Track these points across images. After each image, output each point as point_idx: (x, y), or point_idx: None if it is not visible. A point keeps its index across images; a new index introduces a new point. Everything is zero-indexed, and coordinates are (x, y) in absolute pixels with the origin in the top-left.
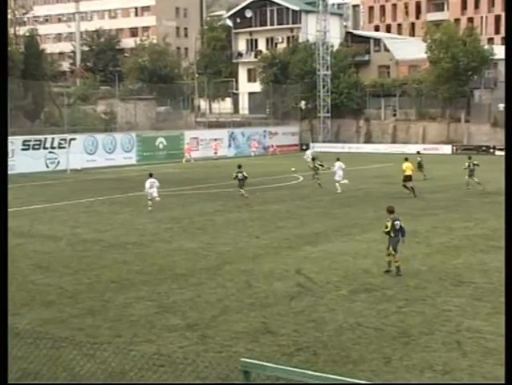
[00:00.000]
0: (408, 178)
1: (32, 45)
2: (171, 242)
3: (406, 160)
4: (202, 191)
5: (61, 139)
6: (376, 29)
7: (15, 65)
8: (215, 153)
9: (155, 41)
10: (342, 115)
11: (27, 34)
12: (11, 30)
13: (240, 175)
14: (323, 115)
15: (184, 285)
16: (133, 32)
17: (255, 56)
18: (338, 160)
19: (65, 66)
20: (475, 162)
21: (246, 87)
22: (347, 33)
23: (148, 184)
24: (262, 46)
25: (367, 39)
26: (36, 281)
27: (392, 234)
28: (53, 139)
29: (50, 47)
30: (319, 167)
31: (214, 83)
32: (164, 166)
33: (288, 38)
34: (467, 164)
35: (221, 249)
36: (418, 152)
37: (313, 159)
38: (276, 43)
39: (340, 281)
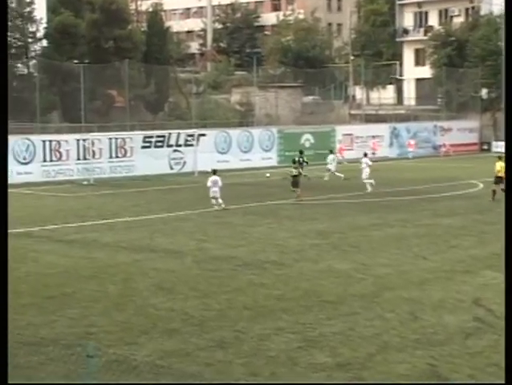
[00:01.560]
0: (499, 180)
1: (156, 22)
2: (318, 262)
3: (500, 158)
4: (356, 200)
5: (188, 136)
6: None
7: (136, 46)
8: (373, 154)
9: (301, 16)
10: None
11: (150, 9)
12: (132, 6)
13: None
14: None
15: (334, 315)
16: (275, 6)
17: (425, 33)
18: (365, 155)
19: (194, 47)
20: None
21: (413, 71)
22: None
23: (209, 182)
24: (433, 20)
25: None
26: (157, 306)
27: None
28: (178, 134)
29: (177, 25)
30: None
31: (373, 66)
32: (310, 168)
33: (466, 10)
34: None
35: (379, 272)
36: None
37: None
38: (451, 17)
39: None
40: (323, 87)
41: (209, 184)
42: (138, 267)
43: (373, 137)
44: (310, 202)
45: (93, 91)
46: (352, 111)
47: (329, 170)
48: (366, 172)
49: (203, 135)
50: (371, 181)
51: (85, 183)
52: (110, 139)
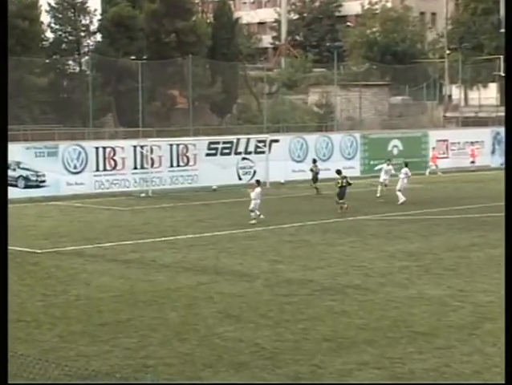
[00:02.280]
0: None
1: (223, 13)
2: (408, 287)
3: None
4: (453, 216)
5: (259, 141)
6: None
7: (200, 40)
8: (472, 162)
9: (389, 4)
10: None
11: None
12: None
13: (344, 181)
14: None
15: (426, 349)
16: None
17: None
18: (406, 165)
19: (266, 41)
20: None
21: None
22: None
23: (253, 194)
24: None
25: None
26: (223, 335)
27: None
28: (248, 140)
29: (247, 16)
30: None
31: (473, 62)
32: (395, 179)
33: None
34: None
35: (479, 299)
36: None
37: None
38: None
39: None
40: (413, 86)
41: (253, 195)
42: (202, 291)
43: (472, 143)
44: (398, 218)
45: (152, 91)
46: (448, 114)
47: (383, 183)
48: (403, 182)
49: (276, 141)
50: (403, 198)
51: (142, 195)
52: (171, 145)
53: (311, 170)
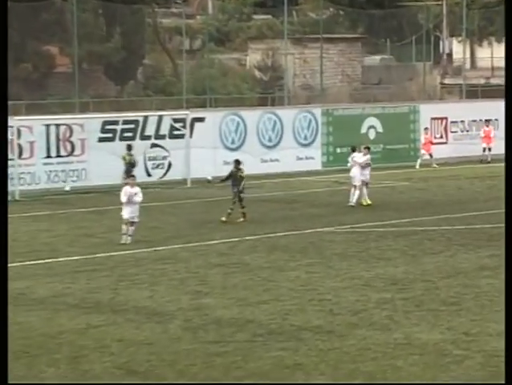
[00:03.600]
0: None
1: None
2: (390, 329)
3: None
4: (453, 226)
5: (175, 120)
6: None
7: None
8: (488, 149)
9: None
10: None
11: None
12: None
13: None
14: None
15: None
16: None
17: None
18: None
19: None
20: None
21: None
22: None
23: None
24: None
25: None
26: None
27: None
28: (160, 119)
29: None
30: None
31: (482, 6)
32: (379, 175)
33: None
34: None
35: (491, 346)
36: None
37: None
38: None
39: None
40: (397, 41)
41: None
42: (93, 338)
43: (482, 123)
44: (377, 230)
45: (20, 48)
46: (447, 80)
47: (363, 183)
48: (361, 174)
49: (200, 119)
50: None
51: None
52: (47, 126)
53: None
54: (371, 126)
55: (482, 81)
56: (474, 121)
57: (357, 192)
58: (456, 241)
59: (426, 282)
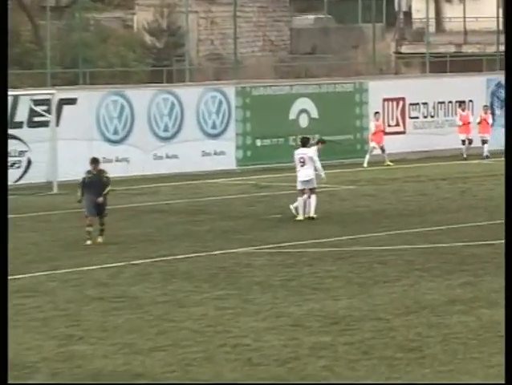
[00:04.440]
0: None
1: None
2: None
3: None
4: (413, 245)
5: (37, 102)
6: None
7: None
8: (468, 141)
9: None
10: None
11: None
12: None
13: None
14: None
15: None
16: None
17: None
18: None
19: None
20: None
21: None
22: None
23: None
24: None
25: None
26: None
27: None
28: (15, 100)
29: None
30: None
31: None
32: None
33: None
34: None
35: None
36: None
37: None
38: None
39: None
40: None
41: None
42: None
43: (453, 106)
44: (310, 250)
45: None
46: (404, 48)
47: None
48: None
49: (70, 101)
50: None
51: None
52: None
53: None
54: (303, 110)
55: (452, 49)
56: (442, 103)
57: (313, 201)
58: (417, 264)
59: (378, 321)
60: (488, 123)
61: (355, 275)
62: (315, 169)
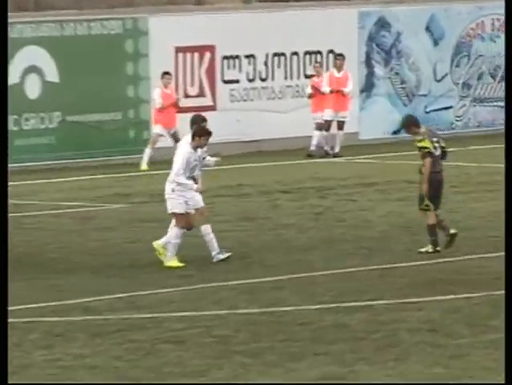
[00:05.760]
0: None
1: None
2: None
3: None
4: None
5: None
6: None
7: None
8: (321, 127)
9: None
10: None
11: None
12: None
13: None
14: None
15: None
16: None
17: None
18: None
19: None
20: None
21: None
22: None
23: None
24: None
25: None
26: None
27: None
28: None
29: None
30: None
31: None
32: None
33: None
34: None
35: None
36: None
37: None
38: None
39: None
40: None
41: None
42: None
43: (301, 60)
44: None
45: None
46: None
47: None
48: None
49: None
50: None
51: None
52: None
53: None
54: (30, 68)
55: None
56: (279, 56)
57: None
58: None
59: None
60: (344, 95)
61: None
62: None
